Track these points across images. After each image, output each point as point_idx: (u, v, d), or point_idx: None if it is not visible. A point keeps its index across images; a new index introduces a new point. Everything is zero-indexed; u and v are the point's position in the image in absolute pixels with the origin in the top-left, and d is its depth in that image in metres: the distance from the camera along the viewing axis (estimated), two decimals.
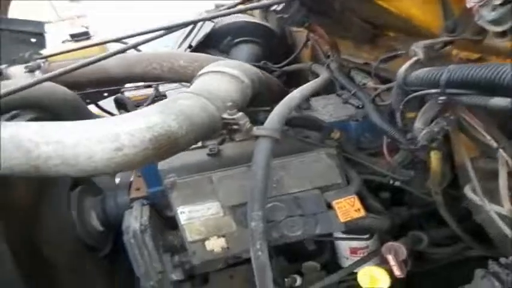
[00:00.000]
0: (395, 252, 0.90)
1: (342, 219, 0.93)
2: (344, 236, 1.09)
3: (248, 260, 1.24)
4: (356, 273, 1.13)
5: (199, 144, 1.12)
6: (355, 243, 1.11)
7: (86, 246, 1.40)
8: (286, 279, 1.15)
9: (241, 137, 1.09)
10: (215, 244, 1.03)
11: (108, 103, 1.89)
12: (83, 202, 1.41)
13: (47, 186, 1.33)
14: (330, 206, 0.96)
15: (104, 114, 1.94)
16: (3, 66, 1.54)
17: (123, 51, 0.99)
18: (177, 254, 1.18)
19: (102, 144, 0.74)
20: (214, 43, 1.77)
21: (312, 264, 1.17)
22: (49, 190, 1.33)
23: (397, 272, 0.87)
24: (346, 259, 1.17)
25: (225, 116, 0.79)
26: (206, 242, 1.04)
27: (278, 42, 1.85)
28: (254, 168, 0.79)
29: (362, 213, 0.93)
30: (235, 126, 0.79)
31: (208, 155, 1.06)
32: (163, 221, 1.28)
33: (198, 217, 1.03)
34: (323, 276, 1.13)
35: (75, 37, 1.70)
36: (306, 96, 0.95)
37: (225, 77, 0.89)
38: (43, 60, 1.56)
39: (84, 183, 1.50)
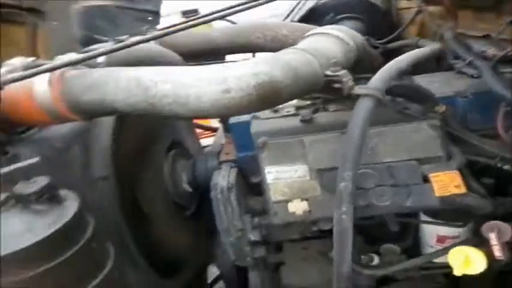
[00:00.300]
0: (499, 231, 0.81)
1: (438, 193, 0.88)
2: (433, 220, 1.02)
3: (324, 235, 1.24)
4: (437, 263, 1.07)
5: (292, 111, 1.15)
6: (444, 230, 1.03)
7: (175, 204, 1.52)
8: (362, 257, 1.12)
9: (335, 107, 1.10)
10: (297, 206, 1.05)
11: None
12: (176, 164, 1.54)
13: (148, 145, 1.48)
14: (426, 180, 0.91)
15: None
16: (124, 37, 1.74)
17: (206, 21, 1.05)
18: (257, 217, 1.23)
19: (211, 86, 0.80)
20: (316, 19, 1.77)
21: (391, 246, 1.13)
22: (150, 149, 1.48)
23: (497, 254, 0.79)
24: (431, 247, 1.09)
25: (328, 72, 0.80)
26: (289, 204, 1.06)
27: (382, 19, 1.79)
28: (351, 127, 0.79)
29: (462, 189, 0.87)
30: (337, 85, 0.80)
31: (301, 121, 1.08)
32: (247, 187, 1.34)
33: (284, 178, 1.06)
34: (402, 260, 1.08)
35: (186, 14, 1.86)
36: (415, 61, 0.92)
37: (330, 38, 0.91)
38: None
39: (178, 147, 1.63)
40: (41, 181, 0.87)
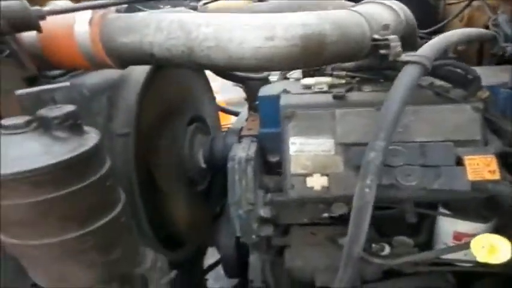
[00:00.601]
0: None
1: (471, 177, 0.84)
2: (453, 213, 0.98)
3: (334, 222, 1.20)
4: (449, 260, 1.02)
5: (325, 88, 1.13)
6: (463, 227, 0.97)
7: (187, 178, 1.51)
8: (373, 245, 1.08)
9: (370, 88, 1.08)
10: (316, 182, 1.02)
11: None
12: (195, 138, 1.53)
13: (170, 116, 1.48)
14: (459, 163, 0.87)
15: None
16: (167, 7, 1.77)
17: None
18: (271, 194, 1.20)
19: (256, 32, 0.79)
20: None
21: (404, 239, 1.08)
22: (171, 120, 1.47)
23: None
24: (445, 245, 1.03)
25: (377, 36, 0.78)
26: (308, 178, 1.03)
27: (429, 11, 1.76)
28: (392, 93, 0.76)
29: (496, 175, 0.83)
30: (383, 51, 0.78)
31: (334, 97, 1.05)
32: (265, 166, 1.31)
33: (307, 151, 1.03)
34: (414, 253, 1.04)
35: None
36: (465, 38, 0.89)
37: (383, 7, 0.89)
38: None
39: (199, 122, 1.62)
40: (66, 108, 0.86)
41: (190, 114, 1.58)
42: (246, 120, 1.56)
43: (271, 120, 1.20)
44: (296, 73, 1.37)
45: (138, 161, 1.23)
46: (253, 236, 1.22)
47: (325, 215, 1.23)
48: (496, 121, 0.93)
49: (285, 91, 1.17)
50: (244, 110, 1.77)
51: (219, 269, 2.29)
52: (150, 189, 1.33)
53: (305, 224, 1.27)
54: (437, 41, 0.79)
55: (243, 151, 1.20)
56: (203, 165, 1.53)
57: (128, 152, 1.21)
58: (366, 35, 0.80)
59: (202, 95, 1.82)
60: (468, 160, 0.86)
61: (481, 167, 0.84)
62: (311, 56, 0.78)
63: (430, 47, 0.78)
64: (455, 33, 0.85)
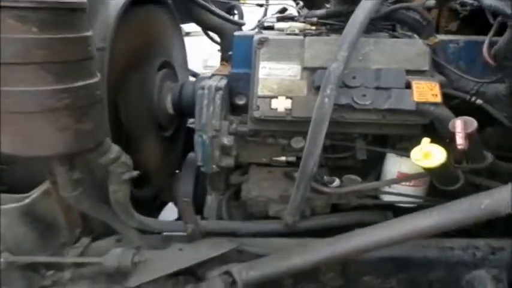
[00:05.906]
0: (465, 124, 0.85)
1: (416, 98, 0.95)
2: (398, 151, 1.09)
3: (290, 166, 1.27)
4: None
5: (297, 31, 1.23)
6: (405, 166, 1.08)
7: (156, 123, 1.52)
8: (325, 177, 1.16)
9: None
10: (280, 103, 1.09)
11: None
12: (164, 84, 1.54)
13: (142, 57, 1.49)
14: (408, 87, 0.98)
15: None
16: None
17: None
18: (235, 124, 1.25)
19: None
20: None
21: (353, 176, 1.18)
22: (141, 63, 1.49)
23: (459, 141, 0.83)
24: (389, 188, 1.15)
25: None
26: (273, 100, 1.10)
27: None
28: (360, 4, 0.87)
29: (438, 99, 0.94)
30: None
31: (304, 36, 1.14)
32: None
33: (275, 75, 1.11)
34: None
35: None
36: None
37: None
38: None
39: (169, 68, 1.65)
40: None
41: (161, 60, 1.58)
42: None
43: (243, 60, 1.26)
44: (271, 19, 1.48)
45: (109, 92, 1.21)
46: (214, 166, 1.25)
47: (283, 158, 1.31)
48: (442, 65, 1.07)
49: (259, 32, 1.26)
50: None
51: None
52: (117, 128, 1.31)
53: (263, 165, 1.33)
54: None
55: (213, 81, 1.26)
56: (171, 111, 1.54)
57: (102, 69, 1.16)
58: None
59: (174, 43, 1.83)
60: (415, 84, 0.97)
61: (425, 91, 0.96)
62: None
63: None
64: None
